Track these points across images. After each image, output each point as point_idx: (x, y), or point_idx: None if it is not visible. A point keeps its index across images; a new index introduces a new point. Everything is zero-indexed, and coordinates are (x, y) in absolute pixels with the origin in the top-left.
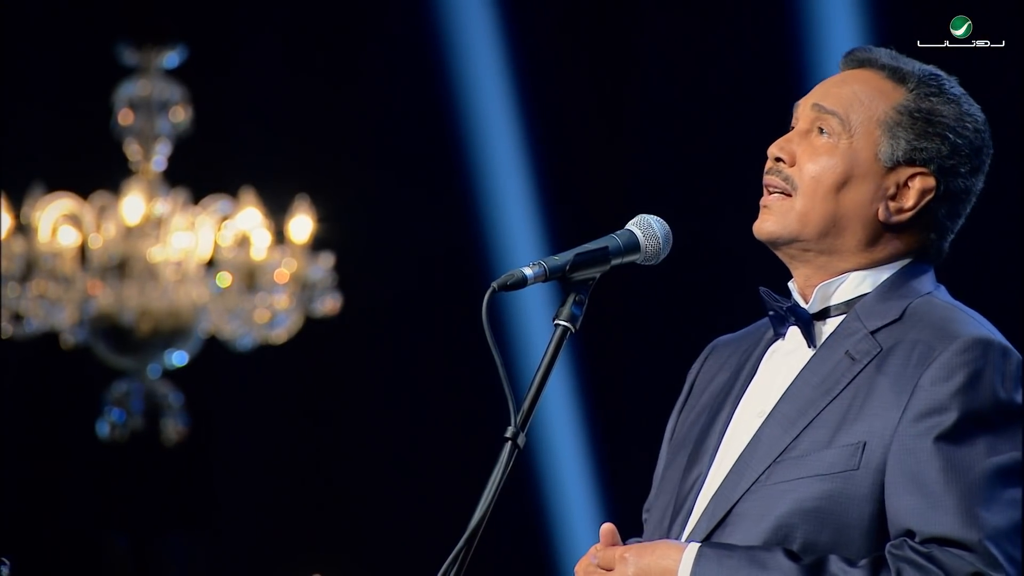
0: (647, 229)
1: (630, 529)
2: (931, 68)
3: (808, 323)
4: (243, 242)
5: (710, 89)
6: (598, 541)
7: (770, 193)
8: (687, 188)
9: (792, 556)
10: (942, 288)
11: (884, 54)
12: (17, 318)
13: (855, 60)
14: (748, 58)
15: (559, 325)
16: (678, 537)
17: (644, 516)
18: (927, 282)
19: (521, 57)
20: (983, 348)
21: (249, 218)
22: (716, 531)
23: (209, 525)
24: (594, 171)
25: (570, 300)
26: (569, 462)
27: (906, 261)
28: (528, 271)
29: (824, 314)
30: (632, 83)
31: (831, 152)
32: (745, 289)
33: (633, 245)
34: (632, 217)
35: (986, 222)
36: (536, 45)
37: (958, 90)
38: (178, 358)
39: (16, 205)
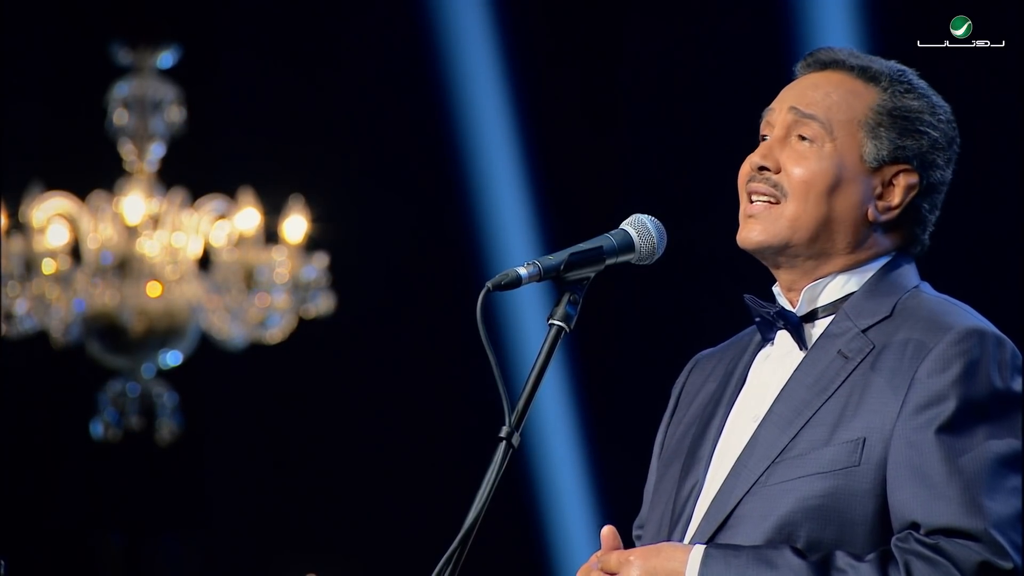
0: (642, 229)
1: (625, 530)
2: (895, 64)
3: (798, 326)
4: (239, 242)
5: (707, 89)
6: (593, 540)
7: (754, 202)
8: (684, 188)
9: (799, 553)
10: (926, 283)
11: (848, 54)
12: (8, 317)
13: (819, 63)
14: (745, 60)
15: (554, 325)
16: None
17: (636, 533)
18: (912, 276)
19: (514, 58)
20: (978, 338)
21: (246, 218)
22: (718, 534)
23: (203, 525)
24: (588, 171)
25: (564, 300)
26: (564, 461)
27: (889, 257)
28: (522, 271)
29: (812, 316)
30: (625, 83)
31: (818, 157)
32: (746, 289)
33: (628, 245)
34: (626, 217)
35: (987, 221)
36: (529, 45)
37: (924, 83)
38: (172, 358)
39: (13, 205)
